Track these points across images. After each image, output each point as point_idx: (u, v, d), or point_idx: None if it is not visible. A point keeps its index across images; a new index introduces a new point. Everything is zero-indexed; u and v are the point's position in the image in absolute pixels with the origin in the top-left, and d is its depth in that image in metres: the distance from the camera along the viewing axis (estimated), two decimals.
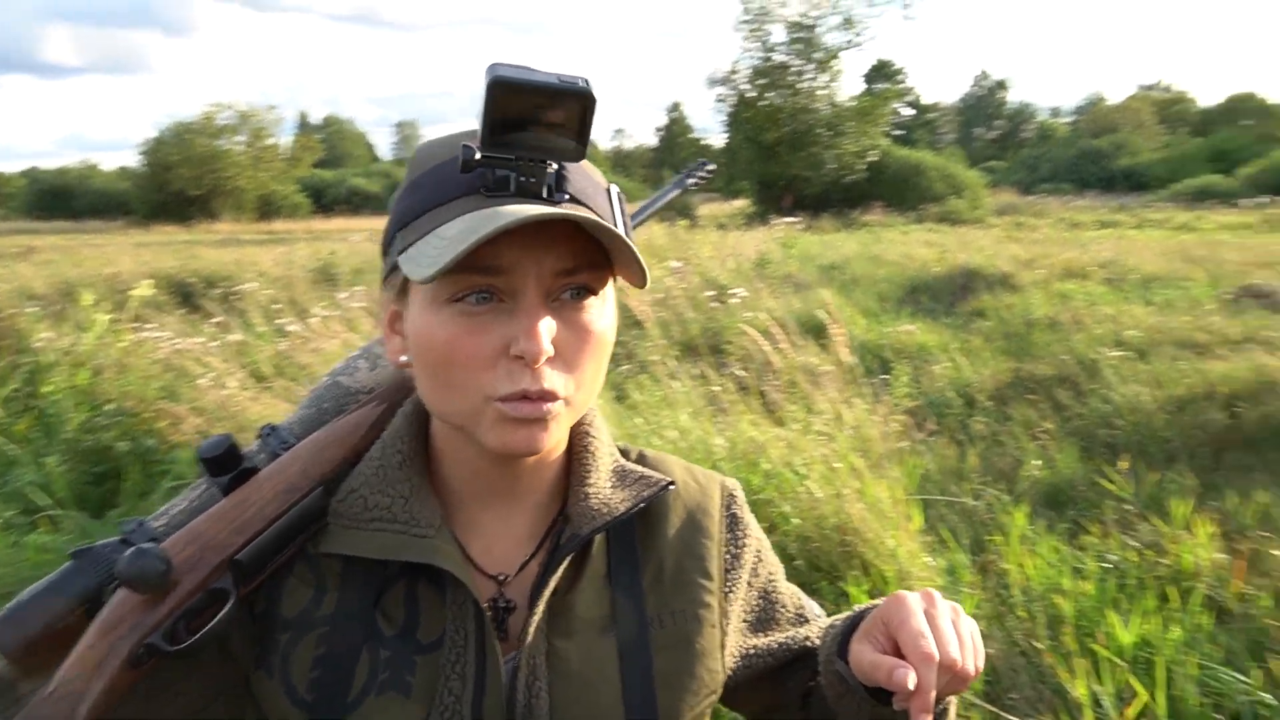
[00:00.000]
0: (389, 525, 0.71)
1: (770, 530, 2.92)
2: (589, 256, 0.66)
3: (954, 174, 27.97)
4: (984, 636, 1.06)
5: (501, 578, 0.75)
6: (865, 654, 0.68)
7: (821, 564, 2.86)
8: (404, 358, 0.72)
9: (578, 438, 0.79)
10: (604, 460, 0.79)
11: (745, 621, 0.84)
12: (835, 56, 28.20)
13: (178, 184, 36.83)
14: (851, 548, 2.88)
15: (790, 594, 0.89)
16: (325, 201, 43.40)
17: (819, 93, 28.16)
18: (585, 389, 0.70)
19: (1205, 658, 2.37)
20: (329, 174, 50.75)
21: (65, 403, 4.57)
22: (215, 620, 0.66)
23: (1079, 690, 2.18)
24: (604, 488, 0.77)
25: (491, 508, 0.76)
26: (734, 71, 28.68)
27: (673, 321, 6.35)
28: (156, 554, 0.63)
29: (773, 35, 28.26)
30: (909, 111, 63.93)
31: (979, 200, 26.76)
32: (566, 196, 0.66)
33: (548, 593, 0.72)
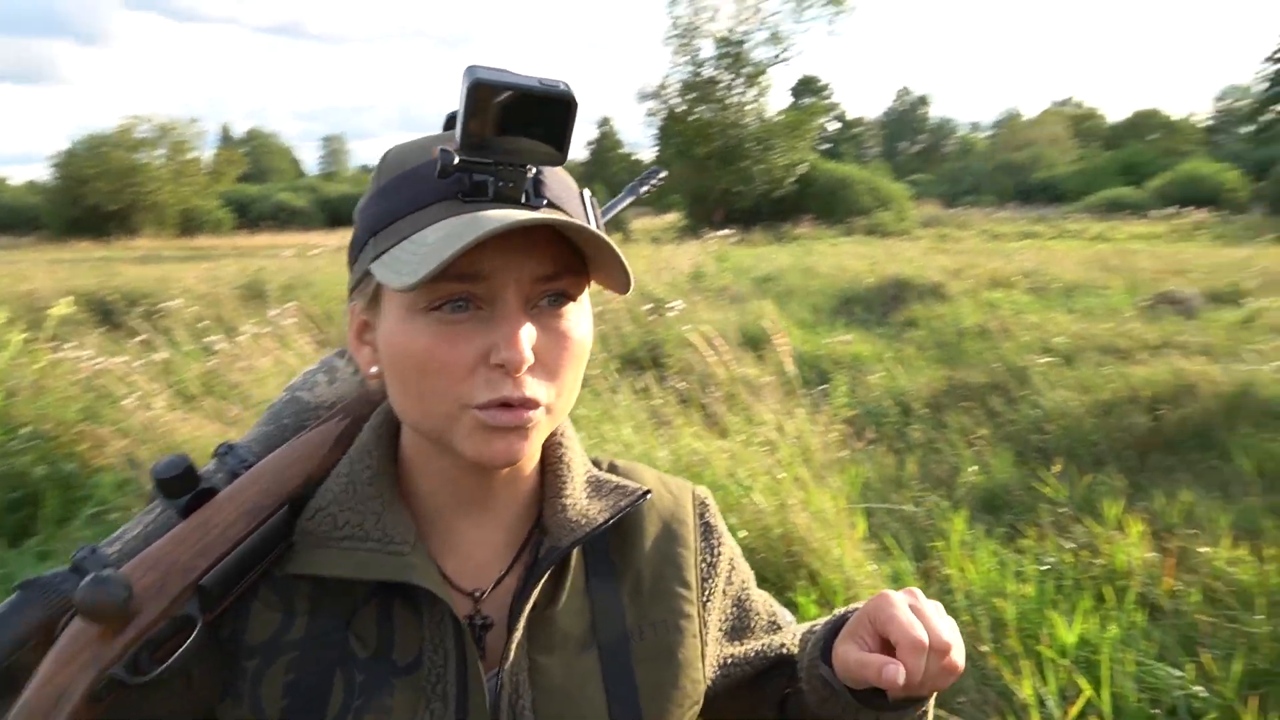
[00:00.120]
0: (361, 543, 0.68)
1: None
2: (568, 262, 0.65)
3: (880, 187, 28.59)
4: None
5: (477, 594, 0.73)
6: (852, 654, 0.68)
7: (769, 575, 2.87)
8: (375, 369, 0.69)
9: (551, 448, 0.77)
10: (578, 471, 0.77)
11: (722, 630, 0.83)
12: (763, 71, 28.66)
13: (94, 198, 35.62)
14: (798, 558, 2.90)
15: (763, 601, 0.88)
16: (251, 217, 42.21)
17: (748, 107, 28.57)
18: (565, 396, 0.68)
19: (1141, 654, 2.44)
20: (254, 188, 49.56)
21: None
22: (182, 649, 0.62)
23: (1025, 691, 2.22)
24: (580, 499, 0.75)
25: (465, 521, 0.73)
26: (664, 86, 28.95)
27: (612, 335, 6.35)
28: (117, 580, 0.60)
29: (702, 50, 28.63)
30: (835, 126, 65.31)
31: (905, 212, 27.42)
32: (545, 201, 0.65)
33: (528, 608, 0.70)
